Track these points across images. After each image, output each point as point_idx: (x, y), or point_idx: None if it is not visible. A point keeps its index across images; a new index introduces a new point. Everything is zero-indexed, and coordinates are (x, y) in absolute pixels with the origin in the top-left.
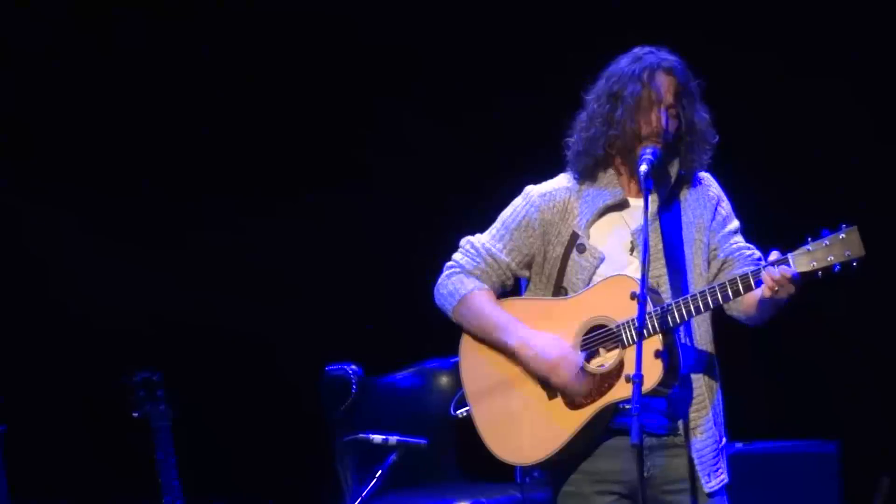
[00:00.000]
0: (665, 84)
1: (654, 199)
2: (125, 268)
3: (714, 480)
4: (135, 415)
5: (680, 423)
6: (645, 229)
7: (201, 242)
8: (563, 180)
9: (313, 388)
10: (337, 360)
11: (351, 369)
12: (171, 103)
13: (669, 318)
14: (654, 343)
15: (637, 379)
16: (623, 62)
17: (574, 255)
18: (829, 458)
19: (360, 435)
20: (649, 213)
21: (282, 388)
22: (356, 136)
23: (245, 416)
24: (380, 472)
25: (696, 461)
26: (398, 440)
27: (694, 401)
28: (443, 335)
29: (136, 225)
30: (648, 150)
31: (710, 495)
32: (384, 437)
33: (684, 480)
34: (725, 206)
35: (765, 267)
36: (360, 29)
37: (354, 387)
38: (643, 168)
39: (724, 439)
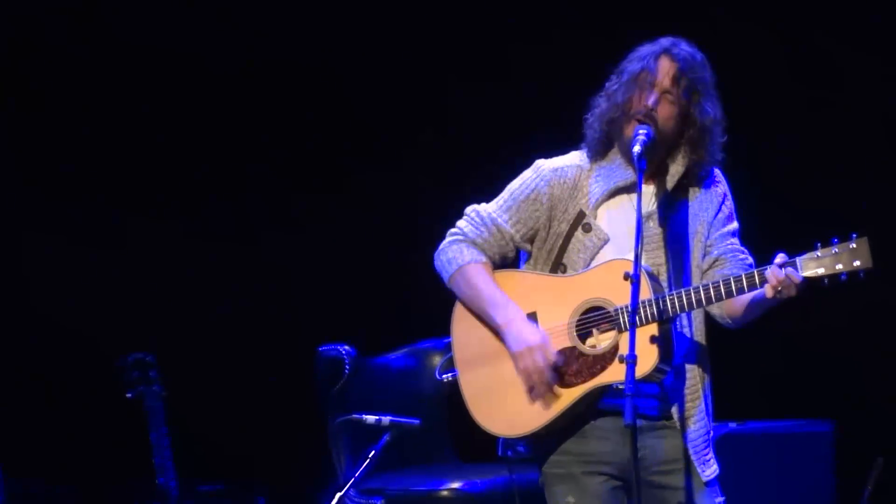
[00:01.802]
0: (665, 68)
1: (650, 185)
2: (118, 248)
3: (708, 470)
4: (128, 395)
5: (673, 409)
6: (639, 210)
7: (194, 223)
8: (574, 157)
9: (306, 369)
10: (330, 341)
11: (344, 350)
12: (167, 98)
13: (667, 308)
14: (650, 329)
15: (631, 359)
16: (644, 45)
17: (579, 233)
18: (823, 438)
19: (353, 415)
20: (655, 199)
21: (275, 368)
22: (354, 116)
23: (238, 396)
24: (373, 452)
25: (690, 450)
26: (391, 421)
27: (689, 390)
28: (436, 315)
29: (131, 206)
30: (642, 131)
31: (707, 484)
32: (377, 417)
33: (675, 461)
34: (729, 205)
35: (770, 266)
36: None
37: (347, 367)
38: (636, 149)
39: (711, 431)
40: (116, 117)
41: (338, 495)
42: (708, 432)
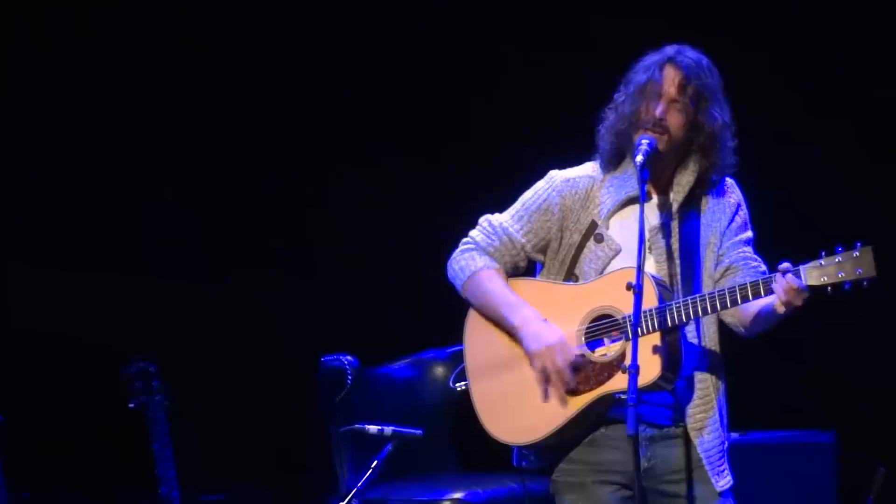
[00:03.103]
0: (671, 76)
1: (661, 196)
2: (121, 256)
3: (722, 480)
4: (131, 405)
5: (685, 418)
6: (640, 220)
7: (197, 232)
8: (587, 168)
9: (309, 379)
10: (333, 351)
11: (347, 360)
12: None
13: (671, 317)
14: (653, 339)
15: (633, 369)
16: (649, 54)
17: (591, 243)
18: (825, 449)
19: (356, 425)
20: (667, 210)
21: (278, 378)
22: (358, 125)
23: (241, 406)
24: (375, 462)
25: (704, 460)
26: (394, 431)
27: (702, 400)
28: (438, 326)
29: (133, 214)
30: (645, 141)
31: (720, 494)
32: (380, 427)
33: (687, 471)
34: (743, 214)
35: (775, 276)
36: None
37: (350, 377)
38: (638, 158)
39: (727, 441)
40: (120, 115)
41: None
42: (723, 442)
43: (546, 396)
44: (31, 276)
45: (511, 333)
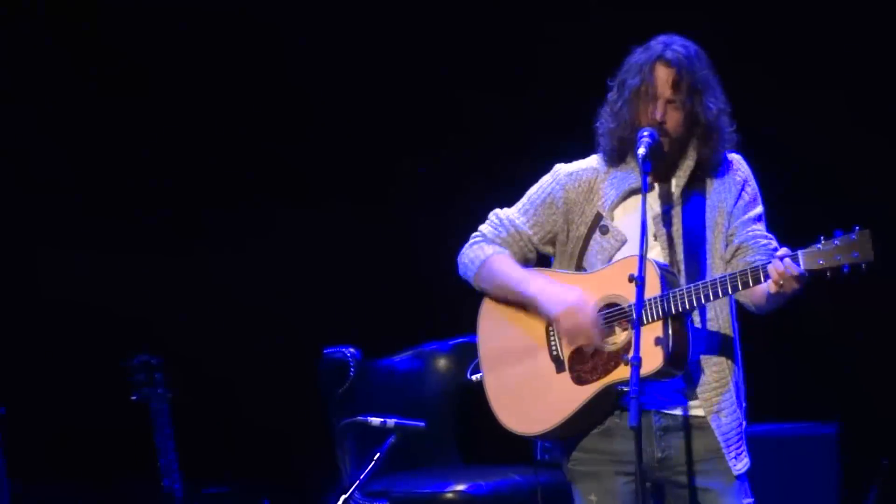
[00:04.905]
0: (663, 77)
1: (664, 183)
2: (124, 251)
3: (740, 464)
4: (134, 398)
5: (700, 405)
6: (643, 212)
7: (200, 226)
8: (592, 161)
9: (312, 371)
10: (335, 343)
11: (349, 352)
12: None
13: (674, 305)
14: (657, 328)
15: (635, 361)
16: (637, 52)
17: (597, 235)
18: (828, 441)
19: (359, 418)
20: (670, 196)
21: (280, 370)
22: (359, 120)
23: (243, 398)
24: (378, 454)
25: (721, 443)
26: (396, 423)
27: (718, 383)
28: (441, 318)
29: (139, 207)
30: (646, 133)
31: (738, 478)
32: (382, 419)
33: (703, 462)
34: (750, 190)
35: (772, 260)
36: None
37: (353, 370)
38: (641, 151)
39: (744, 423)
40: (126, 118)
41: (343, 497)
42: (740, 424)
43: (561, 386)
44: (32, 266)
45: (529, 306)
